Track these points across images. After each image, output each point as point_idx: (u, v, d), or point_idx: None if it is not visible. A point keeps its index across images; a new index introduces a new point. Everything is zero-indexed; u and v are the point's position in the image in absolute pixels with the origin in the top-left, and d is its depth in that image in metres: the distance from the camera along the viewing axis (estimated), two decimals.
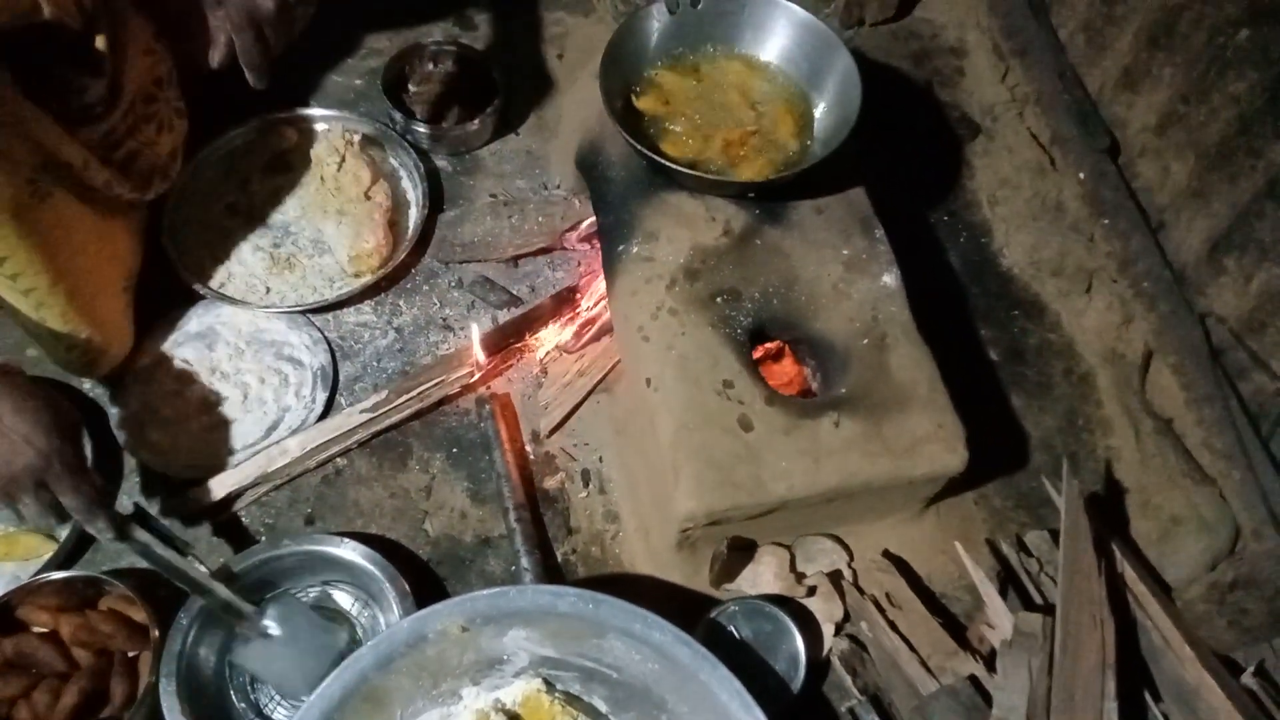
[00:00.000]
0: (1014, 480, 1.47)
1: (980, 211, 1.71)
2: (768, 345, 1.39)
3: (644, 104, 1.36)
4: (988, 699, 1.23)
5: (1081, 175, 1.49)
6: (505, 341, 1.45)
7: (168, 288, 1.46)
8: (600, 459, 1.44)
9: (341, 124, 1.62)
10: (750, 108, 1.37)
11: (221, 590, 1.11)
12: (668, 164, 1.24)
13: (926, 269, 1.64)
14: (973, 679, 1.25)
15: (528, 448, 1.44)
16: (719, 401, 1.19)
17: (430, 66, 1.73)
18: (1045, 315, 1.61)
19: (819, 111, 1.37)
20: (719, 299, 1.27)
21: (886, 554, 1.39)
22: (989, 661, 1.27)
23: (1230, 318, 1.33)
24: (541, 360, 1.50)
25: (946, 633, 1.30)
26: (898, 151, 1.72)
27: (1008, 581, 1.37)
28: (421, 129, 1.63)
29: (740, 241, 1.30)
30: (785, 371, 1.42)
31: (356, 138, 1.57)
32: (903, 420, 1.21)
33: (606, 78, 1.32)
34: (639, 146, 1.24)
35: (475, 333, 1.42)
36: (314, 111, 1.62)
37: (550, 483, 1.41)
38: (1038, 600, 1.32)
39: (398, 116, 1.63)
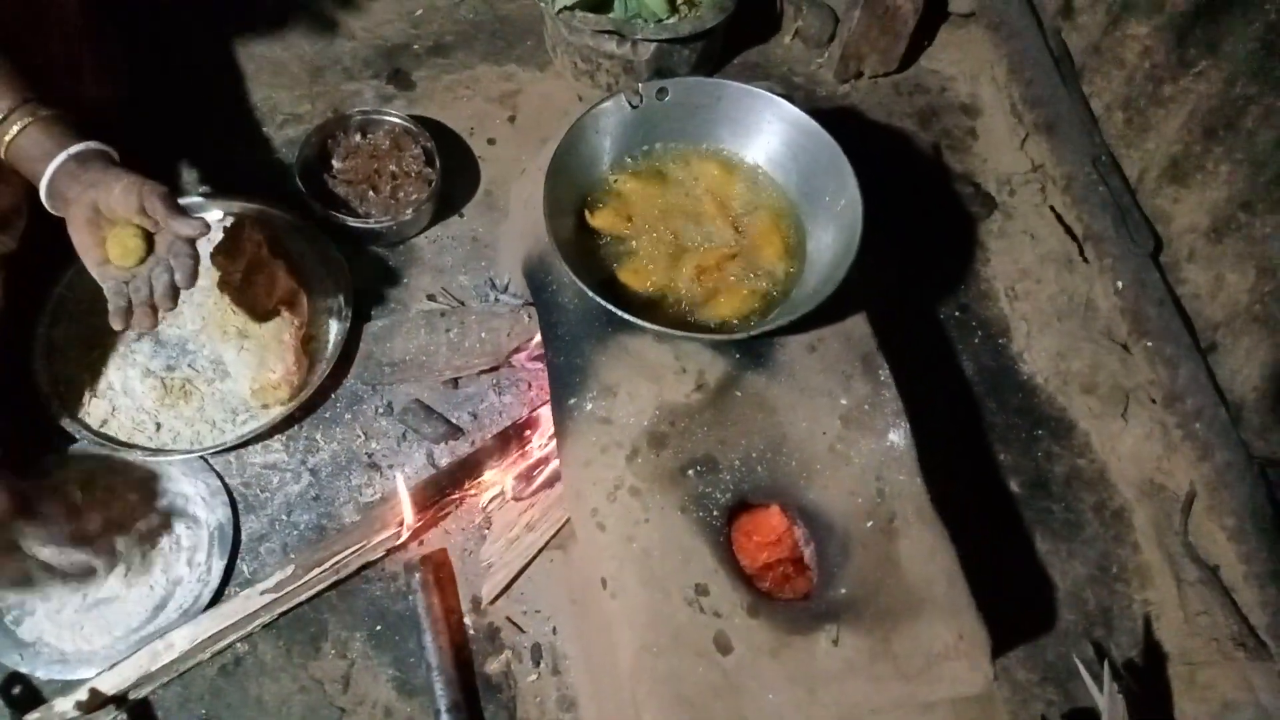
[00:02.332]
0: (1039, 648, 1.26)
1: (997, 305, 1.48)
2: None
3: (600, 221, 1.12)
4: None
5: (1120, 284, 1.26)
6: (440, 495, 1.22)
7: (36, 426, 1.22)
8: (554, 629, 1.22)
9: (250, 218, 1.36)
10: (729, 223, 1.14)
11: None
12: (625, 316, 1.00)
13: (935, 376, 1.42)
14: None
15: (467, 619, 1.21)
16: (690, 615, 0.97)
17: (357, 139, 1.48)
18: (1074, 437, 1.39)
19: (813, 227, 1.13)
20: (691, 472, 1.04)
21: None
22: None
23: None
24: (484, 507, 1.27)
25: None
26: (900, 227, 1.48)
27: None
28: (347, 220, 1.38)
29: (717, 396, 1.07)
30: (771, 528, 1.19)
31: (263, 241, 1.31)
32: (916, 631, 0.99)
33: (553, 190, 1.07)
34: (590, 292, 1.00)
35: (403, 489, 1.18)
36: (215, 211, 1.36)
37: (493, 666, 1.19)
38: None
39: (316, 205, 1.38)
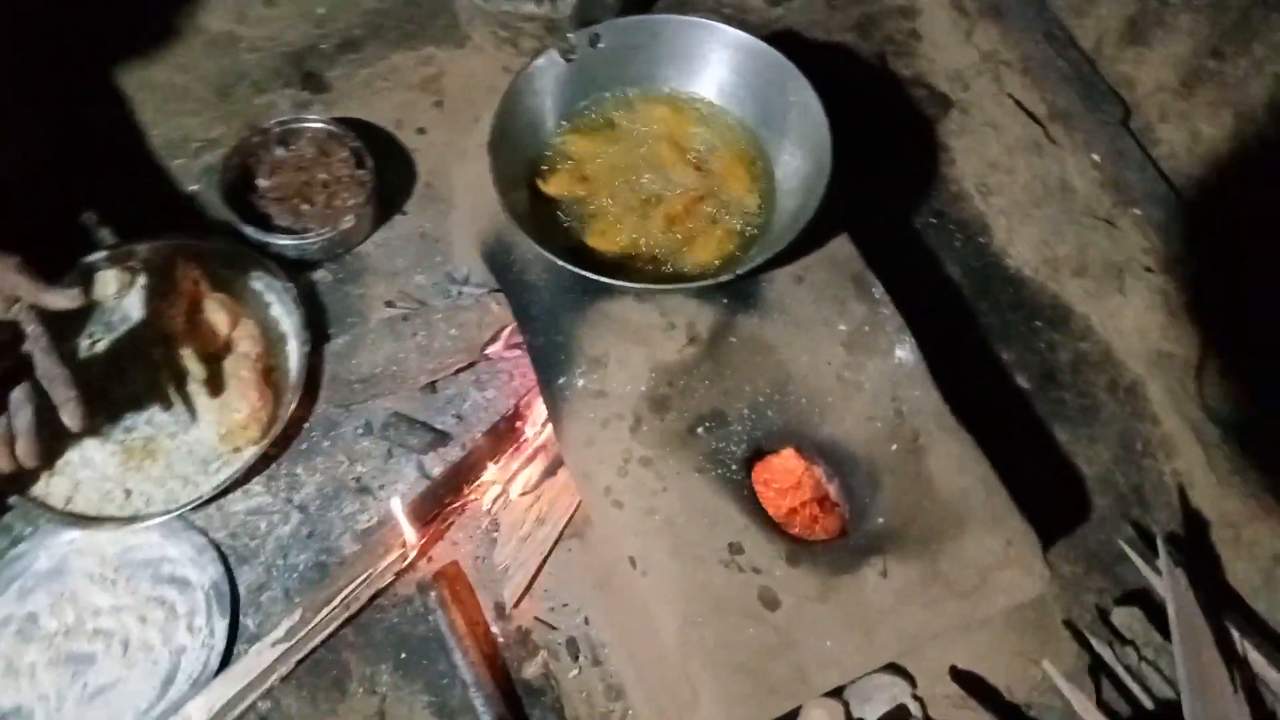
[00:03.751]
0: (1079, 538, 1.23)
1: (971, 204, 1.44)
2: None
3: (554, 187, 1.05)
4: None
5: (1096, 157, 1.21)
6: (439, 506, 1.15)
7: None
8: (585, 620, 1.16)
9: (180, 255, 1.27)
10: (689, 164, 1.07)
11: None
12: (601, 279, 0.93)
13: (923, 287, 1.37)
14: None
15: (494, 628, 1.15)
16: (729, 577, 0.91)
17: (280, 151, 1.39)
18: (1072, 322, 1.35)
19: (777, 154, 1.07)
20: (700, 430, 0.98)
21: (954, 672, 1.14)
22: None
23: None
24: (488, 510, 1.20)
25: None
26: (858, 146, 1.42)
27: (1099, 671, 1.13)
28: (284, 240, 1.29)
29: (711, 346, 1.01)
30: (789, 472, 1.14)
31: (199, 276, 1.23)
32: (962, 547, 0.94)
33: (500, 163, 1.00)
34: (560, 261, 0.93)
35: (399, 510, 1.11)
36: (141, 248, 1.27)
37: (531, 669, 1.13)
38: (1146, 702, 1.08)
39: (249, 230, 1.29)
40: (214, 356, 1.19)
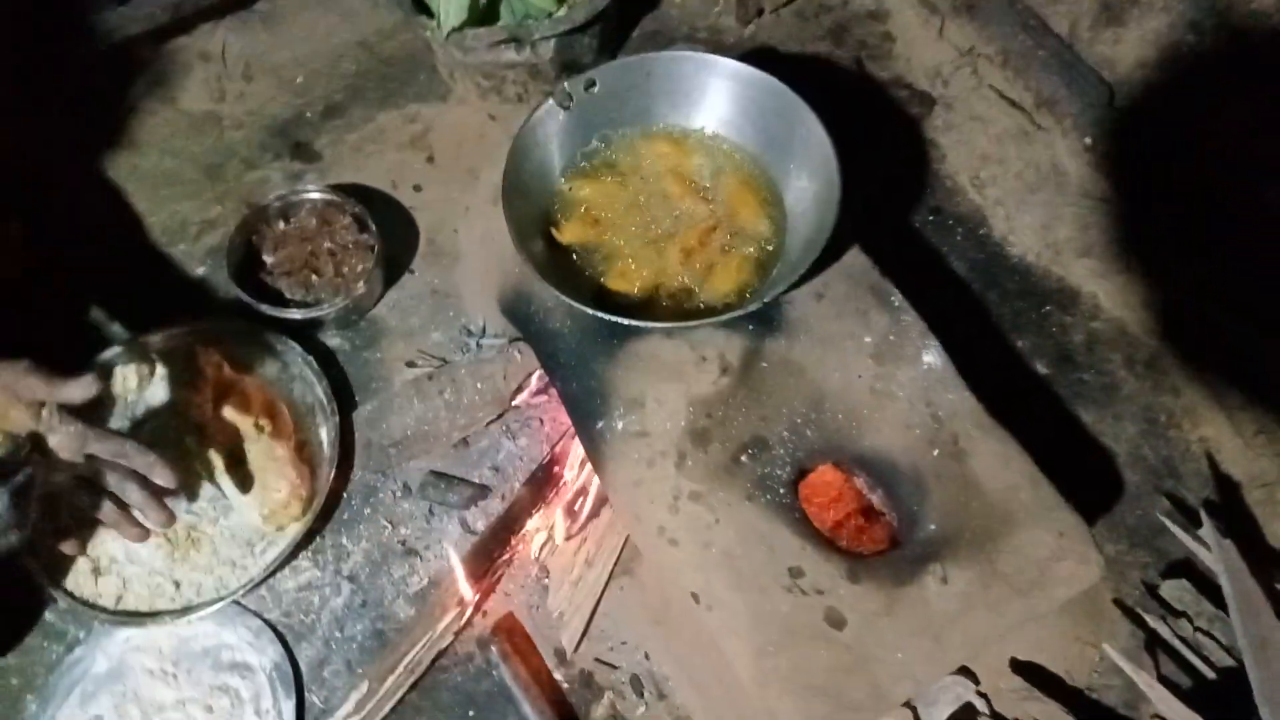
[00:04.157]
0: (1117, 517, 1.25)
1: (967, 198, 1.46)
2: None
3: (569, 234, 1.06)
4: None
5: (1088, 140, 1.23)
6: (489, 560, 1.16)
7: (39, 623, 1.13)
8: (646, 655, 1.17)
9: (199, 341, 1.27)
10: (698, 196, 1.08)
11: None
12: (628, 322, 0.94)
13: (931, 287, 1.38)
14: None
15: (557, 675, 1.16)
16: (793, 602, 0.92)
17: (282, 225, 1.39)
18: (1081, 302, 1.37)
19: (783, 176, 1.09)
20: (744, 458, 0.99)
21: (1014, 664, 1.15)
22: None
23: None
24: (537, 557, 1.21)
25: None
26: (847, 151, 1.44)
27: (1154, 646, 1.15)
28: (298, 314, 1.30)
29: (744, 374, 1.02)
30: (827, 485, 1.15)
31: (220, 361, 1.23)
32: (1017, 544, 0.95)
33: (514, 217, 1.01)
34: (587, 309, 0.94)
35: (458, 566, 1.12)
36: (155, 339, 1.28)
37: (599, 712, 1.14)
38: (1206, 672, 1.09)
39: (263, 307, 1.30)
40: (246, 439, 1.20)
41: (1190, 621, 1.12)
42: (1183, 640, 1.11)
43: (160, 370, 1.20)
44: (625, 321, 0.96)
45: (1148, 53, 1.22)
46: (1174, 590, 1.15)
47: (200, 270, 1.42)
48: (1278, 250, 1.18)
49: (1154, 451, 1.28)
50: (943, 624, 0.92)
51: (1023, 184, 1.42)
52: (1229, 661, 1.09)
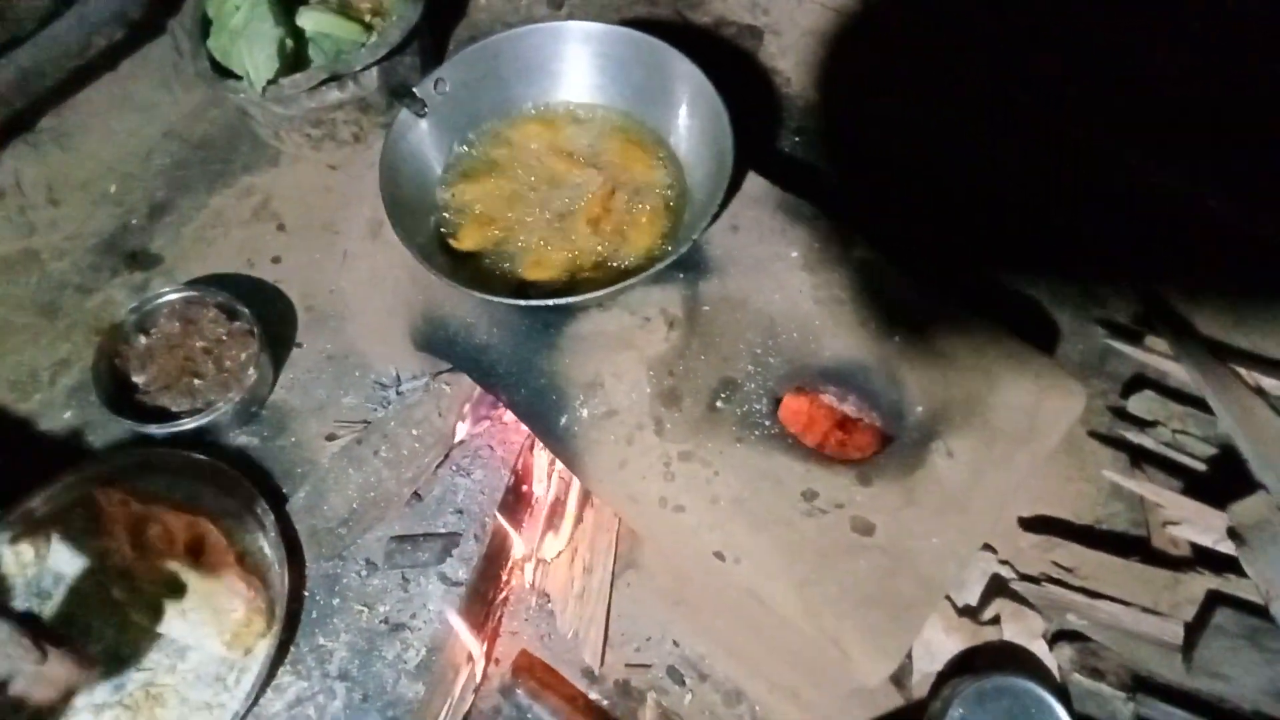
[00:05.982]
0: (1062, 354, 1.28)
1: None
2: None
3: (468, 241, 1.00)
4: (1242, 605, 1.04)
5: None
6: (487, 604, 1.08)
7: None
8: (675, 643, 1.12)
9: (95, 486, 1.13)
10: (584, 165, 1.04)
11: None
12: (561, 302, 0.89)
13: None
14: (1211, 594, 1.05)
15: (591, 694, 1.08)
16: (817, 523, 0.89)
17: (143, 340, 1.26)
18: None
19: (663, 124, 1.06)
20: (719, 403, 0.95)
21: (1023, 523, 1.15)
22: (1207, 566, 1.07)
23: None
24: (533, 584, 1.13)
25: (1146, 563, 1.09)
26: None
27: (1139, 458, 1.18)
28: (191, 423, 1.18)
29: (690, 323, 0.99)
30: (797, 413, 1.12)
31: (126, 498, 1.10)
32: (1002, 398, 0.96)
33: (409, 235, 0.94)
34: (523, 303, 0.89)
35: (450, 619, 1.03)
36: (36, 502, 1.13)
37: (647, 714, 1.07)
38: (1197, 466, 1.13)
39: (151, 429, 1.17)
40: (179, 570, 1.07)
41: (1165, 426, 1.16)
42: (1165, 444, 1.14)
43: (54, 534, 1.07)
44: (553, 302, 0.91)
45: None
46: (1141, 403, 1.18)
47: (67, 415, 1.27)
48: None
49: (1076, 286, 1.32)
50: (963, 494, 0.90)
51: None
52: (1211, 451, 1.13)
